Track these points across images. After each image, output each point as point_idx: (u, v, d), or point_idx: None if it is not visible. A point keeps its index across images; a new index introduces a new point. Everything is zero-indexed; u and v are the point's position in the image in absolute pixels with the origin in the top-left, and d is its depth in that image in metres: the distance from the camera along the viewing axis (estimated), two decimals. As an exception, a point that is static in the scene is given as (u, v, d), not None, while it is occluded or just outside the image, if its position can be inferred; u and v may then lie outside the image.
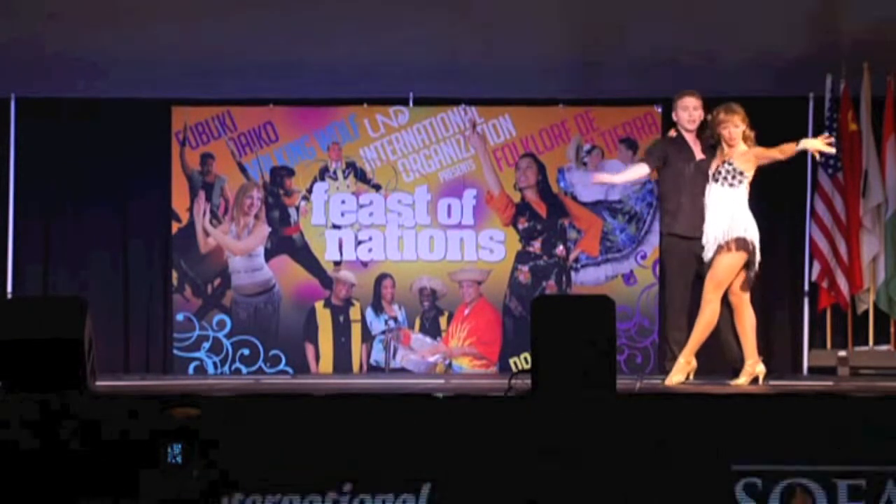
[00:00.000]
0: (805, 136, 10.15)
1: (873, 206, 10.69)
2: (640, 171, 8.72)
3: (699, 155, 8.48)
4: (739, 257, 8.02)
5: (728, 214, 8.04)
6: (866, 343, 10.80)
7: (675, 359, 8.35)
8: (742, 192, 8.06)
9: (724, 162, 8.12)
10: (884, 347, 10.80)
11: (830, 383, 8.69)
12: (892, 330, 10.84)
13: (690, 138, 8.56)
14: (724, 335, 8.32)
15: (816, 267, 10.79)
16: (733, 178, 8.06)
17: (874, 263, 10.74)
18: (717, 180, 8.11)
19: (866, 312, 10.82)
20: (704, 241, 8.15)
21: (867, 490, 5.78)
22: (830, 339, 10.85)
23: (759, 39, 10.05)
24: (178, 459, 5.80)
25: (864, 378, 10.11)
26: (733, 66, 10.39)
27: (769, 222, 10.65)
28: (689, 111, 8.56)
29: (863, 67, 10.59)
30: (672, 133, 8.70)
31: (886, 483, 5.78)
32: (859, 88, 10.69)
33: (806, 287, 10.98)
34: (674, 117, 8.68)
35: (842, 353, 10.58)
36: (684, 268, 8.51)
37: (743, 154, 8.09)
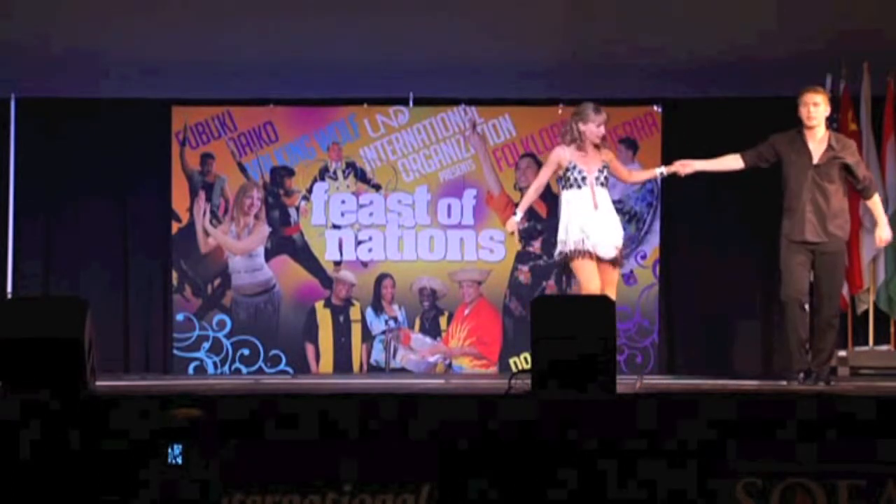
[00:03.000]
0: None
1: (873, 206, 10.68)
2: (735, 163, 8.80)
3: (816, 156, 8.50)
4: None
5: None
6: (866, 343, 10.79)
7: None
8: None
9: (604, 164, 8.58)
10: (884, 347, 10.80)
11: (830, 383, 8.68)
12: (892, 330, 10.84)
13: (809, 136, 8.52)
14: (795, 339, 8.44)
15: (817, 267, 10.79)
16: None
17: (874, 264, 10.74)
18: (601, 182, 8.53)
19: (866, 312, 10.82)
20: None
21: (867, 490, 5.78)
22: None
23: (757, 40, 10.04)
24: (179, 460, 5.80)
25: (864, 378, 10.11)
26: (733, 67, 10.39)
27: (770, 223, 10.69)
28: (808, 107, 8.47)
29: (863, 67, 10.58)
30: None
31: (886, 483, 5.78)
32: (859, 88, 10.69)
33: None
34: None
35: (842, 354, 10.56)
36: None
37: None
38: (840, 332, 10.78)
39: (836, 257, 8.55)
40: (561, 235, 8.57)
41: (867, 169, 8.98)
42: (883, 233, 8.67)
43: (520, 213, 8.81)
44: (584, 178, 8.50)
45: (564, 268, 8.71)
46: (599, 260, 8.46)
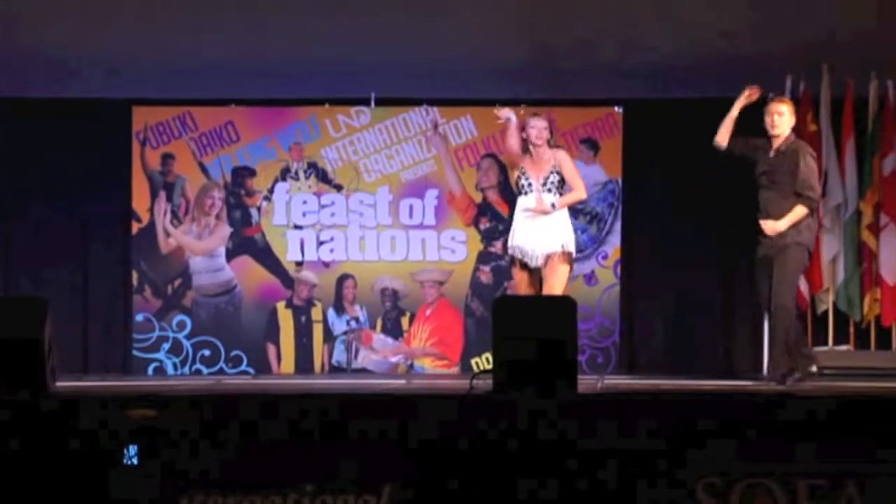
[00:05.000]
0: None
1: (833, 206, 10.73)
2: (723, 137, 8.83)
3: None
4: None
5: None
6: (826, 343, 10.84)
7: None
8: None
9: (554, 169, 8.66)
10: (843, 347, 10.85)
11: (791, 382, 8.71)
12: (851, 330, 10.89)
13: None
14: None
15: (777, 267, 10.83)
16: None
17: (834, 264, 10.80)
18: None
19: (826, 313, 10.87)
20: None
21: (827, 490, 5.80)
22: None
23: (718, 41, 10.07)
24: (135, 461, 5.77)
25: (823, 378, 10.15)
26: (693, 68, 10.43)
27: (731, 223, 10.73)
28: (772, 116, 8.63)
29: (822, 69, 10.63)
30: None
31: (846, 483, 5.80)
32: (819, 89, 10.74)
33: (766, 287, 11.01)
34: None
35: (801, 354, 10.61)
36: None
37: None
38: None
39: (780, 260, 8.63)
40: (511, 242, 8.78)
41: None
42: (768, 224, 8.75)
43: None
44: (530, 185, 8.62)
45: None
46: (527, 267, 8.61)
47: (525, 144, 8.70)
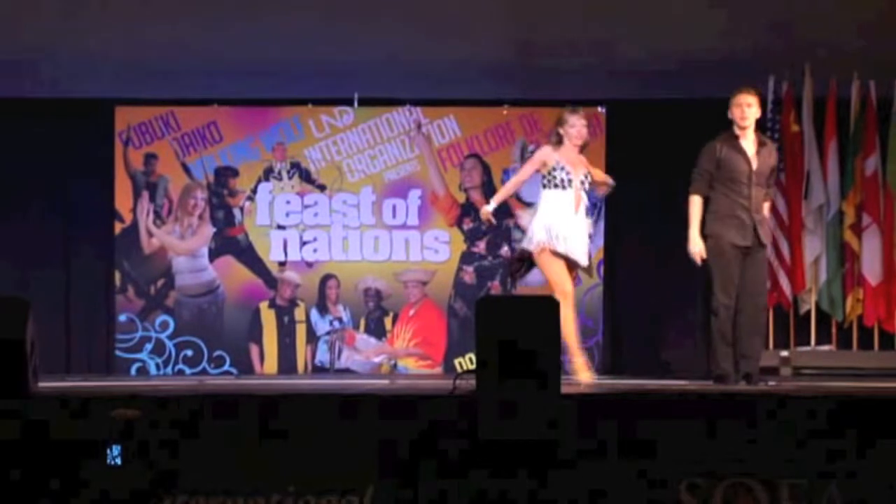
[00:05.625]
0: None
1: (815, 207, 10.77)
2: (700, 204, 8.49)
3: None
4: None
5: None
6: (808, 343, 10.87)
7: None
8: None
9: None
10: (825, 347, 10.88)
11: (772, 383, 8.74)
12: (833, 330, 10.93)
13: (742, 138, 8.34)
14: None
15: (759, 267, 10.86)
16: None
17: (816, 264, 10.83)
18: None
19: (808, 313, 10.90)
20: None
21: (809, 490, 5.82)
22: (773, 340, 10.91)
23: (701, 41, 10.09)
24: (118, 461, 5.76)
25: (805, 378, 10.18)
26: (676, 68, 10.44)
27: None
28: (741, 108, 8.29)
29: (804, 69, 10.66)
30: None
31: (828, 483, 5.82)
32: (801, 90, 10.77)
33: (749, 287, 11.02)
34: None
35: (784, 354, 10.64)
36: None
37: None
38: (783, 332, 10.90)
39: (763, 260, 8.48)
40: (535, 234, 8.46)
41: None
42: None
43: (493, 203, 8.69)
44: (570, 181, 8.44)
45: (519, 265, 8.68)
46: (570, 264, 8.45)
47: (560, 139, 8.53)
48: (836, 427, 5.90)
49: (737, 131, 8.26)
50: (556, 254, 8.41)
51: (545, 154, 8.54)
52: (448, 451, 5.86)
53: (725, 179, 8.25)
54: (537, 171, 8.55)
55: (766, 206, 8.49)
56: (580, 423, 5.93)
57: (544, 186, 8.52)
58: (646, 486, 5.84)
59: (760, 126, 10.74)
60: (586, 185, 8.53)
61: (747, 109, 8.25)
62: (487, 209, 8.72)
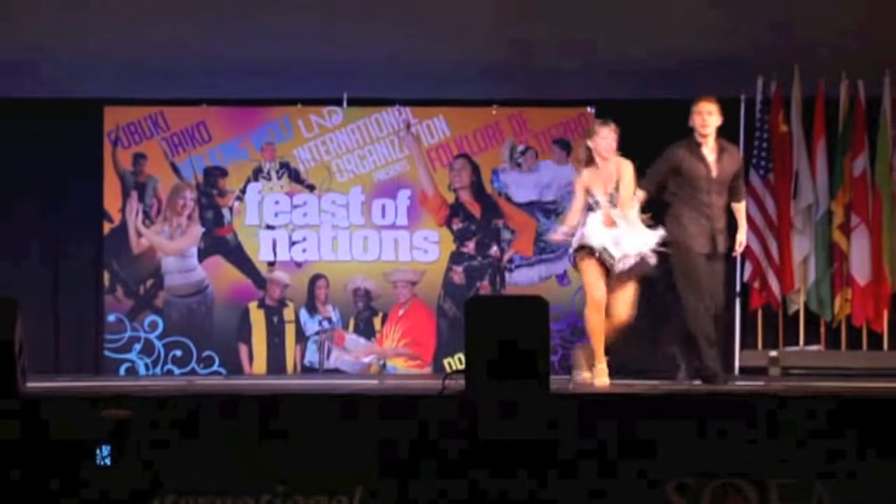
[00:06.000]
0: (737, 138, 10.26)
1: (804, 207, 10.79)
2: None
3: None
4: None
5: None
6: (797, 343, 10.89)
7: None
8: None
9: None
10: (814, 347, 10.90)
11: (761, 383, 8.76)
12: (822, 330, 10.94)
13: (704, 145, 8.45)
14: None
15: (748, 267, 10.87)
16: None
17: (805, 264, 10.84)
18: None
19: (797, 313, 10.91)
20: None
21: (798, 489, 5.83)
22: (762, 340, 10.93)
23: (689, 41, 10.09)
24: (108, 461, 5.75)
25: (794, 378, 10.19)
26: (665, 69, 10.44)
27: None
28: (702, 116, 8.40)
29: (793, 69, 10.67)
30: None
31: (816, 482, 5.83)
32: (790, 90, 10.78)
33: (738, 287, 11.03)
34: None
35: (773, 353, 10.65)
36: None
37: None
38: (771, 332, 10.91)
39: (720, 270, 8.54)
40: (582, 240, 8.40)
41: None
42: (743, 237, 8.70)
43: (561, 228, 8.63)
44: (596, 202, 8.35)
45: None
46: (612, 272, 8.38)
47: (589, 154, 8.45)
48: (825, 427, 5.90)
49: (698, 138, 8.41)
50: (591, 258, 8.34)
51: (582, 183, 8.45)
52: (437, 451, 5.86)
53: (686, 186, 8.34)
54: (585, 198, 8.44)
55: (740, 208, 8.60)
56: (569, 422, 5.94)
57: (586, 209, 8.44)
58: (635, 487, 5.84)
59: (750, 126, 10.82)
60: (614, 199, 8.37)
61: (708, 117, 8.39)
62: (553, 236, 8.80)
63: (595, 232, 8.33)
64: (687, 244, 8.31)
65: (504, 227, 11.28)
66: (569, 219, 8.63)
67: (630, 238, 8.34)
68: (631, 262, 8.35)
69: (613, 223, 8.31)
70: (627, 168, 8.45)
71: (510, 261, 11.28)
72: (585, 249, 8.36)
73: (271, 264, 11.28)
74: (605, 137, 8.44)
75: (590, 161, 8.48)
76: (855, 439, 5.87)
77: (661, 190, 8.46)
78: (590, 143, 8.48)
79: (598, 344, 8.42)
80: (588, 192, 8.40)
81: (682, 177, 8.35)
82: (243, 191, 11.27)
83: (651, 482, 5.84)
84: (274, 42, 10.14)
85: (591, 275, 8.39)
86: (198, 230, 11.24)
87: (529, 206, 11.28)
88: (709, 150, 8.38)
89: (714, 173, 8.34)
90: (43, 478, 5.76)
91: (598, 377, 8.37)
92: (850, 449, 5.86)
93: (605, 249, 8.28)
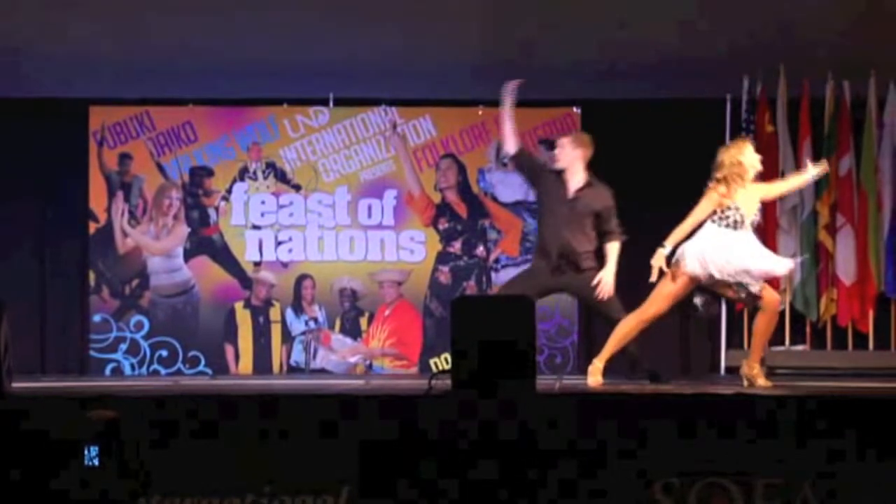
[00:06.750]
0: (723, 138, 10.26)
1: (789, 207, 10.80)
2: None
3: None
4: None
5: None
6: (783, 343, 10.90)
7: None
8: None
9: None
10: (799, 347, 10.92)
11: (747, 383, 8.75)
12: (808, 330, 10.96)
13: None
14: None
15: (734, 267, 10.87)
16: None
17: (790, 264, 10.86)
18: None
19: (783, 313, 10.92)
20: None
21: (784, 489, 5.83)
22: (747, 340, 10.93)
23: (675, 41, 10.10)
24: (95, 462, 5.75)
25: (780, 378, 10.20)
26: (652, 69, 10.45)
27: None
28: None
29: (779, 69, 10.69)
30: None
31: (803, 482, 5.84)
32: (776, 90, 10.80)
33: (723, 288, 11.03)
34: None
35: (758, 353, 10.67)
36: None
37: None
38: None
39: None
40: (689, 250, 8.28)
41: None
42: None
43: (669, 246, 8.37)
44: (742, 221, 8.11)
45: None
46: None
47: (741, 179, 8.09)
48: (811, 427, 5.92)
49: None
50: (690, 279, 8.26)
51: (721, 195, 8.19)
52: (423, 451, 5.86)
53: None
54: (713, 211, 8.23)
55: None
56: (555, 422, 5.94)
57: (714, 222, 8.26)
58: (621, 486, 5.84)
59: (736, 126, 10.83)
60: (756, 222, 8.24)
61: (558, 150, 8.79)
62: (662, 253, 8.40)
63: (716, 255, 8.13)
64: None
65: (490, 227, 11.29)
66: (678, 235, 8.41)
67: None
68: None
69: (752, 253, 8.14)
70: (764, 189, 8.41)
71: (496, 261, 11.29)
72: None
73: (257, 264, 11.28)
74: (743, 151, 8.16)
75: (737, 180, 8.11)
76: (841, 439, 5.88)
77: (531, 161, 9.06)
78: (740, 158, 8.11)
79: (615, 346, 8.52)
80: (732, 207, 8.10)
81: None
82: (229, 191, 11.27)
83: (638, 482, 5.84)
84: (260, 42, 10.13)
85: (671, 292, 8.38)
86: (184, 230, 11.23)
87: (516, 206, 11.29)
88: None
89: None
90: (28, 478, 5.75)
91: (592, 375, 8.38)
92: (836, 449, 5.86)
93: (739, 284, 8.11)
